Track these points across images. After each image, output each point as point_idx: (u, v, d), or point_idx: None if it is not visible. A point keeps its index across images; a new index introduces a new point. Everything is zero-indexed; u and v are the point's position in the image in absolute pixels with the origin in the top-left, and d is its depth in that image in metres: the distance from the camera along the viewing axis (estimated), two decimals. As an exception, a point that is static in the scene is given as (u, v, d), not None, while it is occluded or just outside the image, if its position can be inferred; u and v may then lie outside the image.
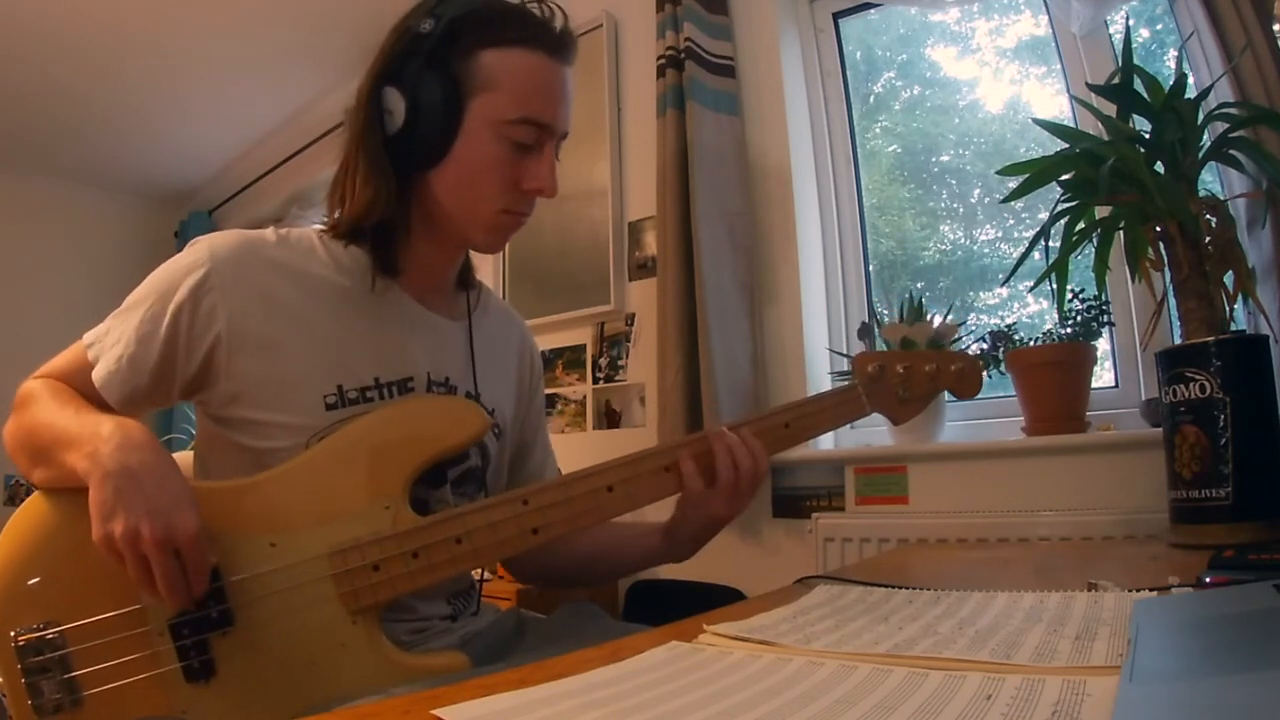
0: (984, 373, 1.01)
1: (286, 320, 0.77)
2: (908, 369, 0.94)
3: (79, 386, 0.79)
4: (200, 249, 0.78)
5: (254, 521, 0.71)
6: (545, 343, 2.26)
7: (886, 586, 0.76)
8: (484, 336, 0.92)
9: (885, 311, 1.88)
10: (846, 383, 0.96)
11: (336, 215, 0.82)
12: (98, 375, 0.77)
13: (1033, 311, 1.83)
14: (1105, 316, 1.46)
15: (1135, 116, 1.22)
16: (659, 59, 1.99)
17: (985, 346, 1.59)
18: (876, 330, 1.69)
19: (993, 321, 1.83)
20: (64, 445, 0.69)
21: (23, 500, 0.74)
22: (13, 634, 0.67)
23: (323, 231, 0.84)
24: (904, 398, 0.94)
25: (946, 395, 1.64)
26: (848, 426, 1.87)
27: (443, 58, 0.76)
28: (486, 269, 2.36)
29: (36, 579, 0.69)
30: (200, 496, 0.72)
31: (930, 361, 0.95)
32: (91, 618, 0.67)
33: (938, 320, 1.61)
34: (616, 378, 2.16)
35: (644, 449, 0.81)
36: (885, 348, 1.61)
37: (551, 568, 0.99)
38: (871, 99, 2.11)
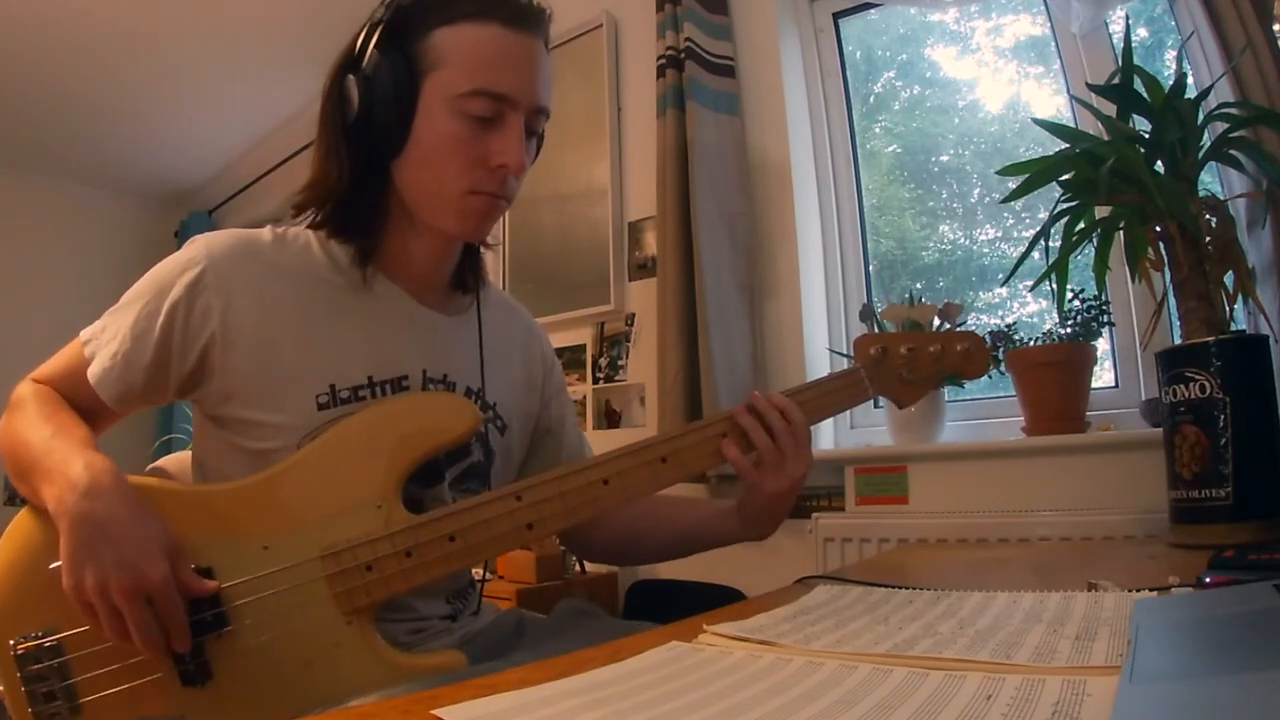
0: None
1: (280, 320, 0.77)
2: (912, 350, 0.91)
3: (74, 388, 0.79)
4: (197, 247, 0.77)
5: (247, 524, 0.71)
6: (545, 343, 2.26)
7: (886, 586, 0.76)
8: (485, 330, 0.92)
9: (882, 306, 1.88)
10: (848, 366, 0.94)
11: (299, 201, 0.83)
12: (93, 372, 0.77)
13: (1033, 311, 1.83)
14: (1105, 316, 1.46)
15: (1135, 116, 1.22)
16: (659, 59, 1.99)
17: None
18: (877, 313, 1.68)
19: (993, 321, 1.83)
20: (39, 475, 0.69)
21: (22, 501, 0.74)
22: (12, 642, 0.67)
23: (309, 226, 0.83)
24: (908, 379, 0.92)
25: (947, 394, 1.65)
26: (848, 426, 1.87)
27: (397, 42, 0.76)
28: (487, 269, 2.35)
29: (35, 588, 0.69)
30: (193, 499, 0.72)
31: (935, 342, 0.93)
32: (89, 625, 0.67)
33: (937, 320, 1.61)
34: (616, 378, 2.16)
35: (641, 440, 0.81)
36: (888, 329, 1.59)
37: (623, 548, 1.01)
38: (871, 99, 2.11)
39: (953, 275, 1.97)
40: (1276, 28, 1.19)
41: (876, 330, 1.64)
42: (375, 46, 0.75)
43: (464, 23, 0.75)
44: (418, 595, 0.79)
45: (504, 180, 0.78)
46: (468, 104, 0.75)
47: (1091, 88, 1.30)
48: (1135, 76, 1.18)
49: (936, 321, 1.54)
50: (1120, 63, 1.20)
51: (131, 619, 0.63)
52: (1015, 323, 1.63)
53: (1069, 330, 1.47)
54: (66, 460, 0.68)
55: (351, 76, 0.77)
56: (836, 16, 2.03)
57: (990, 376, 1.46)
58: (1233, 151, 1.16)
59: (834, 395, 0.90)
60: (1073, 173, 1.22)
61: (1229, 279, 1.11)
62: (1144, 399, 1.44)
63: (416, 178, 0.78)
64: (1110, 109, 1.24)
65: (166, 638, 0.64)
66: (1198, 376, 0.98)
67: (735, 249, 1.86)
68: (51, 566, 0.69)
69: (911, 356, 0.92)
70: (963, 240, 1.99)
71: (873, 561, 1.34)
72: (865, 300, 1.92)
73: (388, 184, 0.80)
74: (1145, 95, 1.18)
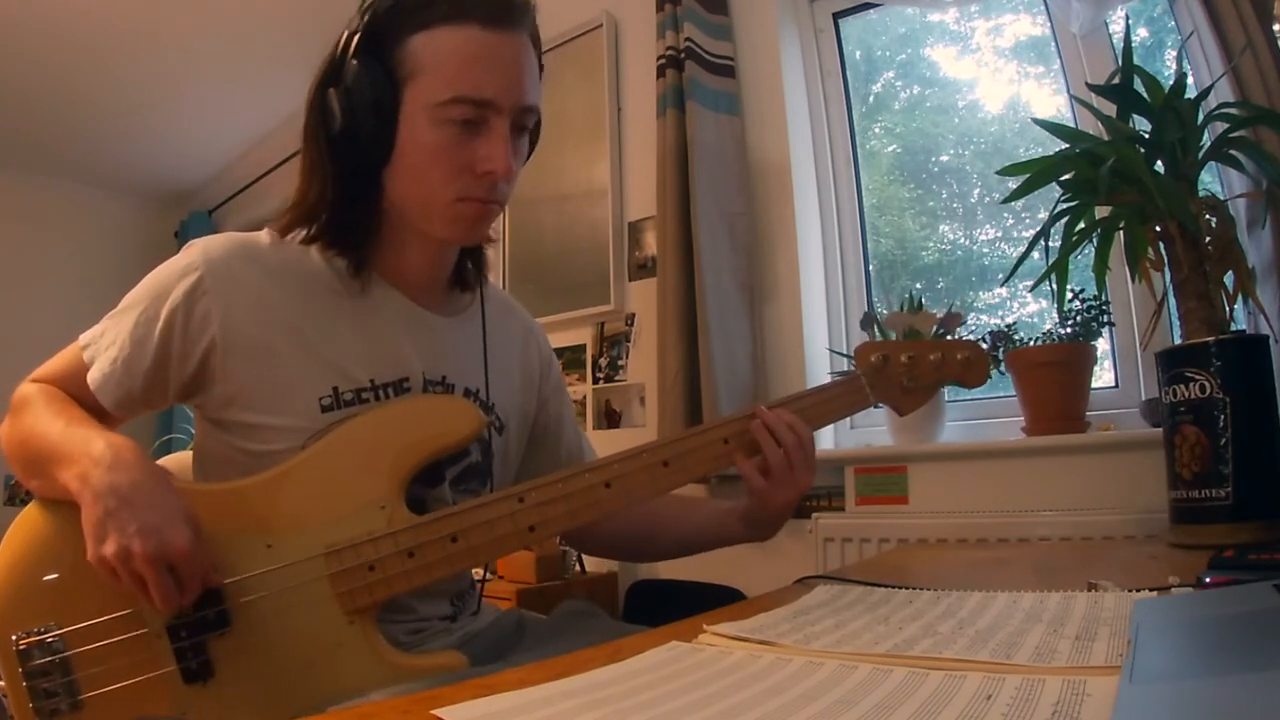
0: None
1: (280, 324, 0.77)
2: (912, 358, 0.92)
3: (74, 390, 0.79)
4: (195, 252, 0.77)
5: (250, 523, 0.71)
6: (545, 343, 2.26)
7: (886, 586, 0.76)
8: (481, 331, 0.92)
9: (885, 311, 1.88)
10: (848, 372, 0.94)
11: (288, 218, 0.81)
12: (92, 378, 0.77)
13: (1033, 311, 1.83)
14: (1105, 316, 1.46)
15: (1135, 116, 1.22)
16: (659, 59, 1.99)
17: (985, 346, 1.59)
18: (879, 320, 1.68)
19: (993, 321, 1.83)
20: (56, 461, 0.70)
21: (23, 500, 0.74)
22: (14, 638, 0.67)
23: (301, 242, 0.82)
24: (909, 387, 0.93)
25: (947, 395, 1.65)
26: (848, 426, 1.87)
27: (375, 52, 0.74)
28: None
29: (37, 584, 0.69)
30: (197, 498, 0.72)
31: (935, 350, 0.93)
32: (91, 621, 0.67)
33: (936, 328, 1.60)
34: (616, 378, 2.16)
35: (643, 443, 0.81)
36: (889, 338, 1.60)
37: (627, 546, 1.02)
38: (871, 99, 2.11)
39: (953, 275, 1.97)
40: (1276, 28, 1.19)
41: (878, 337, 1.64)
42: (353, 57, 0.74)
43: (439, 27, 0.73)
44: (419, 596, 0.79)
45: (492, 185, 0.77)
46: (449, 111, 0.73)
47: (1091, 88, 1.30)
48: (1135, 76, 1.18)
49: (935, 329, 1.54)
50: (1120, 63, 1.20)
51: (153, 583, 0.64)
52: (1015, 323, 1.63)
53: (1069, 330, 1.47)
54: (87, 441, 0.69)
55: (332, 90, 0.75)
56: (836, 16, 2.02)
57: (990, 377, 1.46)
58: (1233, 151, 1.16)
59: (835, 402, 0.90)
60: (1073, 173, 1.22)
61: (1229, 279, 1.11)
62: (1144, 399, 1.44)
63: (405, 187, 0.78)
64: (1110, 109, 1.24)
65: (181, 596, 0.65)
66: (1198, 376, 0.98)
67: (735, 249, 1.86)
68: (47, 578, 0.69)
69: (912, 364, 0.92)
70: (963, 240, 1.99)
71: (873, 561, 1.34)
72: (865, 300, 1.92)
73: (379, 192, 0.80)
74: (1145, 95, 1.18)
